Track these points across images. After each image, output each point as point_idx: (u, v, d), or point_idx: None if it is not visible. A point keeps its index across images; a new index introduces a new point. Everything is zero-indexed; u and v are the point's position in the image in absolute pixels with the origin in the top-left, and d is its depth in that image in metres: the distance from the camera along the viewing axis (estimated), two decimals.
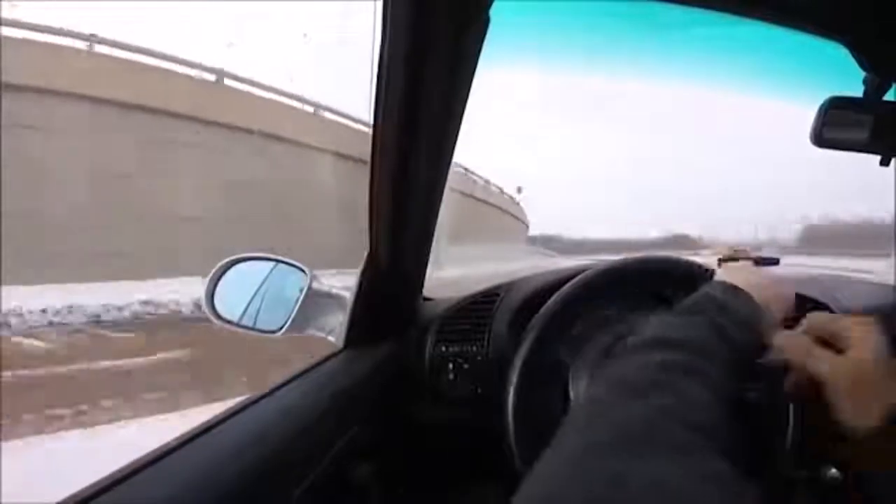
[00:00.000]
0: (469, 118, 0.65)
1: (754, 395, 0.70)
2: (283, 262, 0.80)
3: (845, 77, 0.74)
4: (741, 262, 0.60)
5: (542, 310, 0.74)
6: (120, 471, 0.43)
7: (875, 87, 0.72)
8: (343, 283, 0.81)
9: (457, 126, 0.65)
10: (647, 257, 0.80)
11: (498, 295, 0.91)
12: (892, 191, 0.89)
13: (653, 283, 0.76)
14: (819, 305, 0.93)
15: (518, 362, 0.71)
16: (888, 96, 0.73)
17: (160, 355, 3.88)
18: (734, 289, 0.49)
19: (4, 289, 4.16)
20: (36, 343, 4.13)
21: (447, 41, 0.53)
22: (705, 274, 0.74)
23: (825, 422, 0.46)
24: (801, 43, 0.74)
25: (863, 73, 0.72)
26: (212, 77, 6.54)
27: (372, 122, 0.60)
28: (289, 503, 0.53)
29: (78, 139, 5.45)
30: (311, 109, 7.44)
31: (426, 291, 0.94)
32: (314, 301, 0.79)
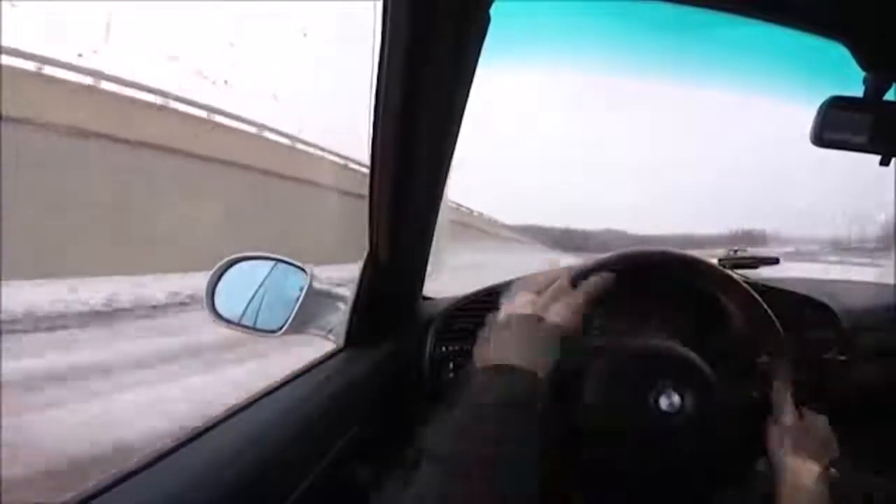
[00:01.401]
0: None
1: (756, 396, 0.70)
2: (283, 261, 0.80)
3: (845, 77, 0.74)
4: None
5: None
6: (120, 470, 0.44)
7: (875, 87, 0.72)
8: None
9: (457, 126, 0.65)
10: (627, 251, 0.78)
11: (498, 293, 0.91)
12: None
13: (636, 276, 0.76)
14: (822, 308, 0.93)
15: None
16: (888, 96, 0.73)
17: None
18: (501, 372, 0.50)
19: None
20: None
21: (447, 41, 0.53)
22: (685, 263, 0.74)
23: None
24: (801, 43, 0.74)
25: (863, 73, 0.72)
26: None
27: (372, 121, 0.60)
28: (289, 503, 0.53)
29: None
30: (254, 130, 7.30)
31: (426, 291, 0.94)
32: (314, 300, 0.79)
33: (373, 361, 0.80)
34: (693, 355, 0.70)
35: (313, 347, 0.81)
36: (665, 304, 0.76)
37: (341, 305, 0.81)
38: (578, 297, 0.56)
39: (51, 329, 3.77)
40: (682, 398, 0.66)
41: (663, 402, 0.66)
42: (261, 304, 0.79)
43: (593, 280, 0.59)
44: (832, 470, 0.60)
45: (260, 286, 0.80)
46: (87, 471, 1.90)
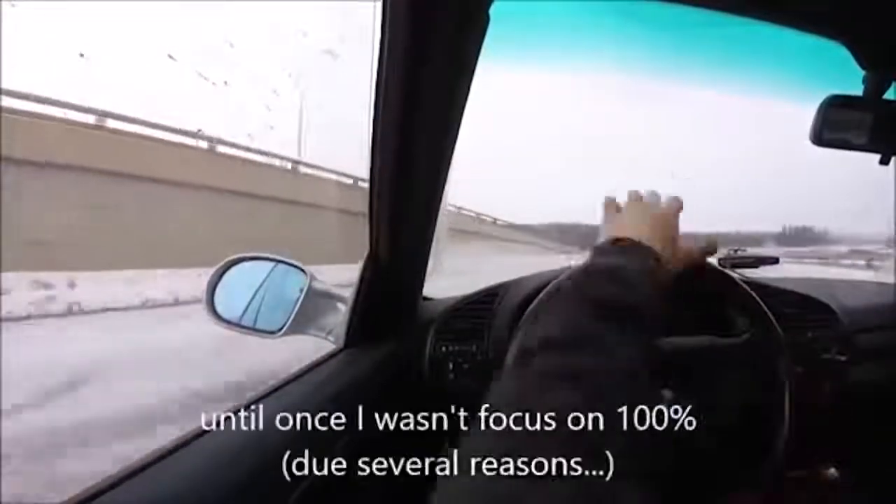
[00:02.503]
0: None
1: (755, 396, 0.70)
2: (282, 261, 0.80)
3: (845, 77, 0.74)
4: (629, 202, 0.61)
5: (527, 312, 0.74)
6: (121, 471, 0.44)
7: (875, 86, 0.72)
8: None
9: (457, 126, 0.65)
10: None
11: (498, 294, 0.91)
12: None
13: None
14: (822, 308, 0.93)
15: (508, 361, 0.71)
16: (888, 95, 0.73)
17: None
18: (619, 244, 0.50)
19: None
20: None
21: (447, 41, 0.53)
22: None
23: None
24: (801, 43, 0.74)
25: (862, 73, 0.72)
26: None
27: (372, 121, 0.60)
28: (289, 503, 0.53)
29: None
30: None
31: (426, 291, 0.94)
32: (314, 301, 0.79)
33: (373, 362, 0.80)
34: (691, 357, 0.70)
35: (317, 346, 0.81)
36: (664, 305, 0.76)
37: (341, 306, 0.81)
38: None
39: None
40: (680, 401, 0.66)
41: (659, 406, 0.66)
42: (260, 304, 0.79)
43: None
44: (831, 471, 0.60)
45: (260, 287, 0.80)
46: None
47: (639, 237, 0.51)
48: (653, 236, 0.52)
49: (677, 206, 0.60)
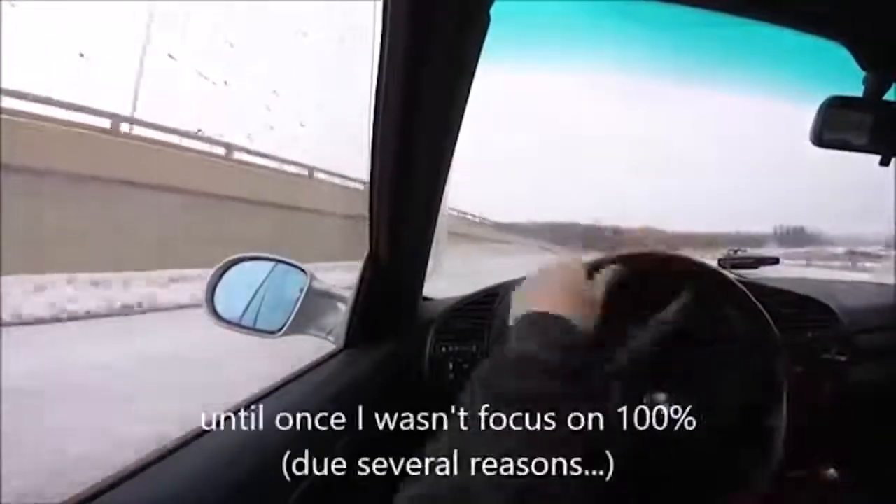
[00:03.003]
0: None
1: (753, 397, 0.70)
2: (283, 262, 0.80)
3: (845, 77, 0.74)
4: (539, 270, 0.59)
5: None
6: (121, 471, 0.44)
7: (875, 87, 0.72)
8: None
9: (457, 126, 0.65)
10: (625, 252, 0.78)
11: (498, 294, 0.91)
12: None
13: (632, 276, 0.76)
14: (822, 308, 0.93)
15: None
16: (888, 96, 0.73)
17: None
18: (534, 325, 0.48)
19: None
20: None
21: (447, 41, 0.53)
22: (681, 264, 0.74)
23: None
24: (801, 43, 0.74)
25: (863, 73, 0.72)
26: None
27: (372, 121, 0.60)
28: (289, 503, 0.53)
29: None
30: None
31: (426, 291, 0.94)
32: (314, 301, 0.79)
33: (373, 362, 0.80)
34: (690, 358, 0.70)
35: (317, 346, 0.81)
36: (662, 306, 0.76)
37: (341, 306, 0.81)
38: (598, 288, 0.56)
39: None
40: (680, 401, 0.66)
41: (658, 407, 0.66)
42: (261, 304, 0.79)
43: (609, 271, 0.59)
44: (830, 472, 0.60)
45: (260, 287, 0.80)
46: None
47: (553, 307, 0.49)
48: (565, 302, 0.50)
49: (577, 266, 0.58)
